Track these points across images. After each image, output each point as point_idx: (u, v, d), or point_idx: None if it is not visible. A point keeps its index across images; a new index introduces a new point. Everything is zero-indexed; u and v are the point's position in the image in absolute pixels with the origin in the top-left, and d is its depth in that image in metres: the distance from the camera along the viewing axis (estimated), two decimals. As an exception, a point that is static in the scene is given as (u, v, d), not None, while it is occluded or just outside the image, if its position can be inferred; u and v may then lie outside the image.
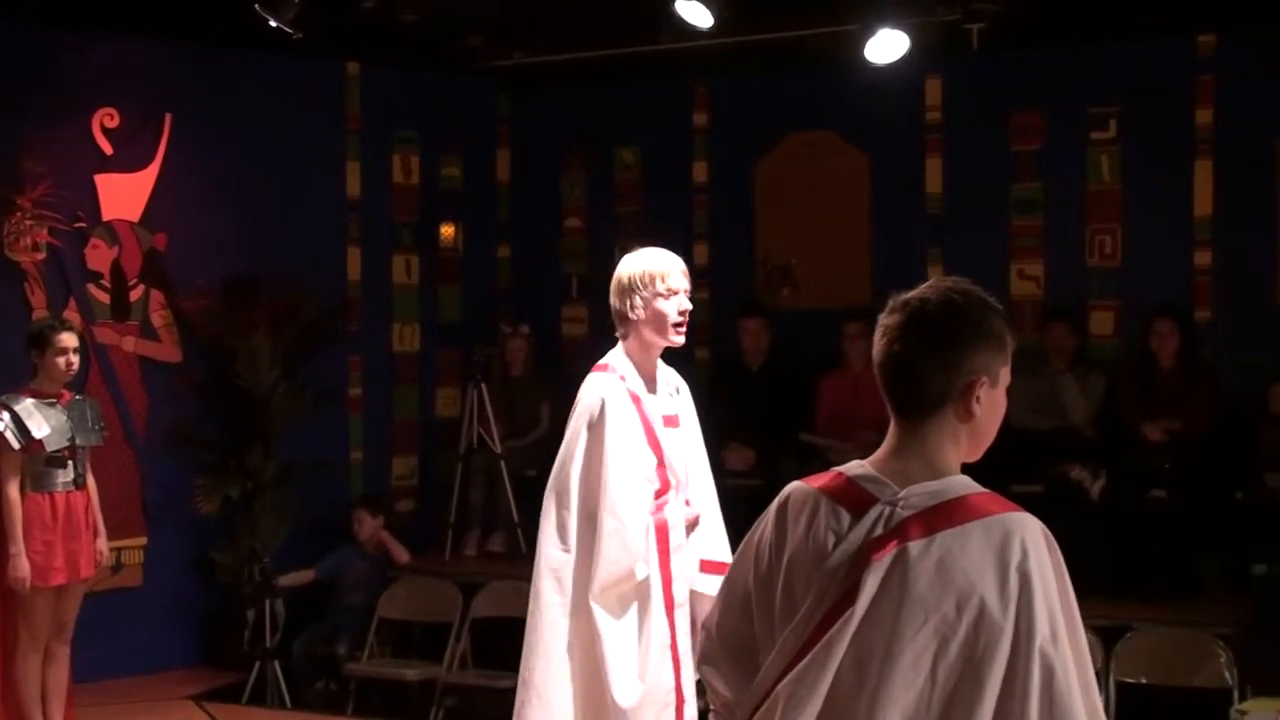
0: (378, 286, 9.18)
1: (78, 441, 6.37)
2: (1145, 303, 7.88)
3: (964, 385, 2.27)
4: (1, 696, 6.34)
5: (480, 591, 7.69)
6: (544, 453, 7.12)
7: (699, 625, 3.74)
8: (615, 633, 4.18)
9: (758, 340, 8.55)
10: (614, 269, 4.33)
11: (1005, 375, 2.33)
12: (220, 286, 8.37)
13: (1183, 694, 6.45)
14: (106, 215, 8.12)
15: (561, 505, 4.26)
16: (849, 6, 7.48)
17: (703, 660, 2.56)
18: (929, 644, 2.15)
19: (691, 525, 4.35)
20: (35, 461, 6.25)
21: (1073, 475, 7.42)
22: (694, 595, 4.32)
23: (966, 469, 2.33)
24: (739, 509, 5.19)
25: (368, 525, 8.29)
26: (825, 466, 2.44)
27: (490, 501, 8.69)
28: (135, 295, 8.25)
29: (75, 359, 6.38)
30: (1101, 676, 6.11)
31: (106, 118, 8.09)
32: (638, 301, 4.25)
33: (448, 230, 9.55)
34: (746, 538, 2.45)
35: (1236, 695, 6.22)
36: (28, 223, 7.77)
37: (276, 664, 7.65)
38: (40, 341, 6.34)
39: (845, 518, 2.27)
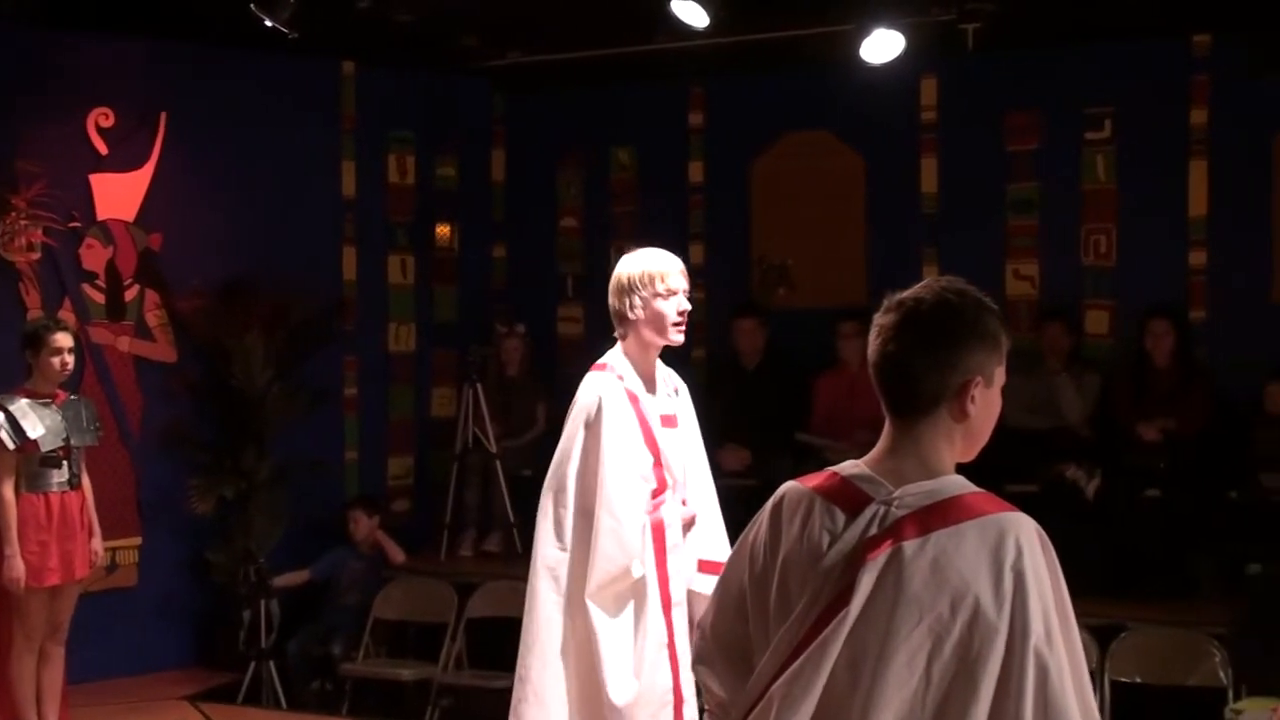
0: (373, 286, 9.17)
1: (73, 442, 6.36)
2: (1140, 302, 7.87)
3: (959, 385, 2.27)
4: (-3, 697, 6.35)
5: (476, 591, 7.68)
6: (540, 452, 7.15)
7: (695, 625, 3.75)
8: (611, 631, 4.18)
9: (753, 340, 8.54)
10: (611, 269, 4.34)
11: (1000, 375, 2.33)
12: (215, 286, 8.36)
13: (1177, 693, 6.45)
14: (101, 215, 8.11)
15: (558, 503, 4.27)
16: (844, 6, 7.48)
17: (697, 660, 2.56)
18: (923, 643, 2.15)
19: (688, 525, 4.36)
20: (30, 462, 6.24)
21: (1068, 475, 7.42)
22: (692, 595, 4.32)
23: (961, 469, 2.33)
24: (734, 509, 5.15)
25: (363, 525, 8.28)
26: (821, 466, 2.44)
27: (486, 501, 8.68)
28: (130, 295, 8.23)
29: (70, 359, 6.36)
30: (1096, 676, 6.12)
31: (101, 117, 8.08)
32: (637, 301, 4.25)
33: (443, 230, 9.54)
34: (741, 537, 2.45)
35: (1231, 695, 6.22)
36: (22, 222, 7.75)
37: (272, 664, 7.65)
38: (35, 341, 6.33)
39: (840, 517, 2.27)
